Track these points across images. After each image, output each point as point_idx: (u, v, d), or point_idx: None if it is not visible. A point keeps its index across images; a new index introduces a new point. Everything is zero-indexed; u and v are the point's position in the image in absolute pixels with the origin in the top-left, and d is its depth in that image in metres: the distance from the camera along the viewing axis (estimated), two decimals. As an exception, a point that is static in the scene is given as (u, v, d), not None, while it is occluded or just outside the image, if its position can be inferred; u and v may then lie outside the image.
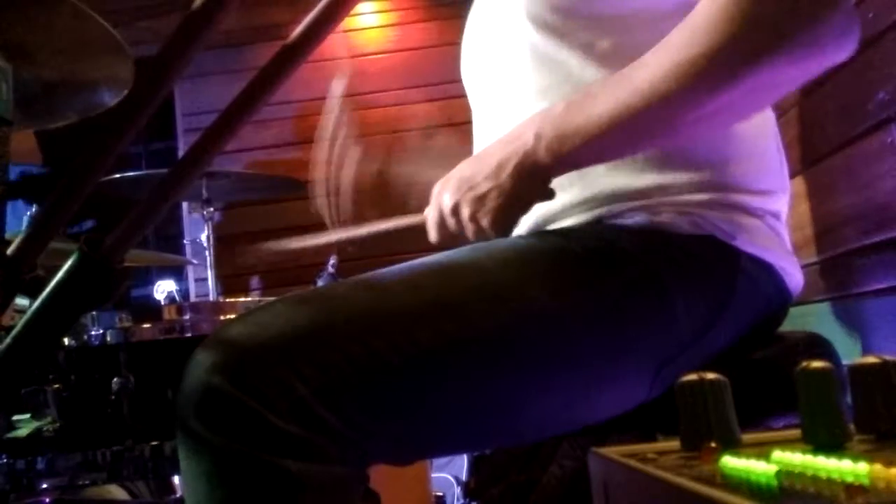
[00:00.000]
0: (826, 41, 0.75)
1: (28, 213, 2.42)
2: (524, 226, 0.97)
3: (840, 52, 0.76)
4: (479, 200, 0.86)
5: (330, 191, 1.12)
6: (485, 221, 0.87)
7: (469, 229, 0.89)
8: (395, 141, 3.31)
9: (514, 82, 0.99)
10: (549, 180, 0.86)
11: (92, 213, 2.92)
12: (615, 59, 0.89)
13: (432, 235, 0.94)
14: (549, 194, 0.87)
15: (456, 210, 0.89)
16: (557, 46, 0.94)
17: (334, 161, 1.12)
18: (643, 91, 0.78)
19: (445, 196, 0.90)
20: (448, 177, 0.91)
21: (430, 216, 0.93)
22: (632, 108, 0.78)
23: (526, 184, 0.85)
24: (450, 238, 0.92)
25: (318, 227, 1.17)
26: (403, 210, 1.05)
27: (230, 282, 3.27)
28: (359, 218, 1.11)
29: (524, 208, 0.88)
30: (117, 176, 2.14)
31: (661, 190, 0.91)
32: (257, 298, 1.39)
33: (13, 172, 2.55)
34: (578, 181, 0.92)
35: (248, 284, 3.31)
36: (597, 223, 0.91)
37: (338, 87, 1.15)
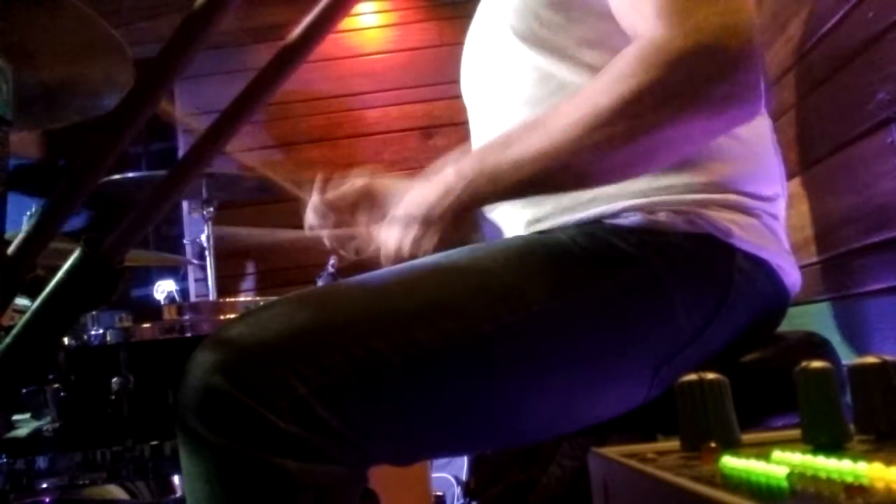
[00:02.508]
0: (727, 106, 0.80)
1: (30, 209, 2.41)
2: (523, 226, 0.98)
3: (744, 113, 0.82)
4: (416, 243, 0.91)
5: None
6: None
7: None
8: (394, 141, 3.32)
9: (507, 93, 1.01)
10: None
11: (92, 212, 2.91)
12: (601, 69, 0.90)
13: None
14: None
15: (399, 250, 0.93)
16: (544, 59, 0.97)
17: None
18: (556, 139, 0.82)
19: (388, 237, 0.94)
20: (389, 217, 0.96)
21: (381, 252, 0.98)
22: (545, 154, 0.83)
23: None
24: None
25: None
26: None
27: (230, 282, 3.27)
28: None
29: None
30: (117, 177, 2.13)
31: (657, 190, 0.91)
32: (257, 298, 1.39)
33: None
34: None
35: (247, 285, 3.31)
36: (594, 223, 0.92)
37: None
